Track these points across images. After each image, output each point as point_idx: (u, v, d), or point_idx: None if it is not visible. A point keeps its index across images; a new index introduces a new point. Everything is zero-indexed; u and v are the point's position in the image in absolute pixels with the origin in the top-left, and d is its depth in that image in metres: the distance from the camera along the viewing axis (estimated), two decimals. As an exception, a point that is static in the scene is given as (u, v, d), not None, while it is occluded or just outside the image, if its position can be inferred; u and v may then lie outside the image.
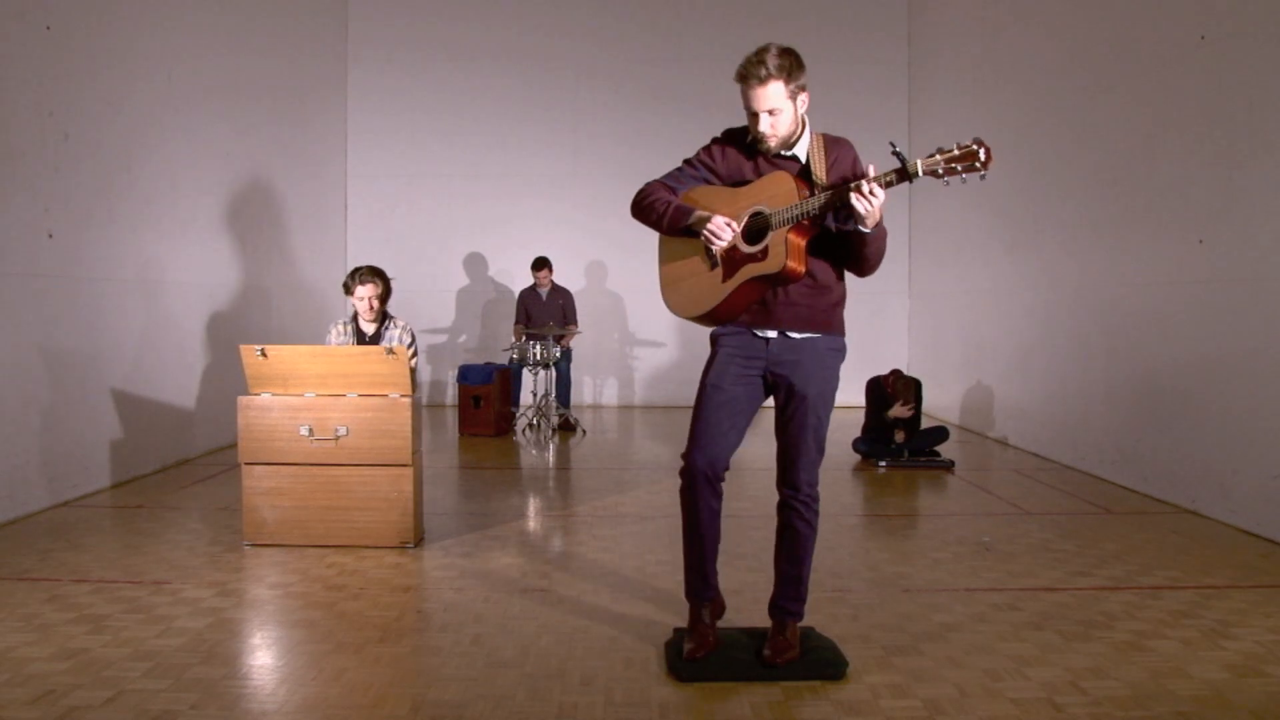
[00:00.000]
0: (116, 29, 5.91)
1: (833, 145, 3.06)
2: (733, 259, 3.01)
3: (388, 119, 10.55)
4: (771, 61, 2.87)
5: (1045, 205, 7.31)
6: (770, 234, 2.93)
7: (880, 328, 10.50)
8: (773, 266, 2.93)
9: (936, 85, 9.92)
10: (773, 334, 3.06)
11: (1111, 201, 6.29)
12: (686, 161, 3.20)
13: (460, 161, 10.60)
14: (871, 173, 2.83)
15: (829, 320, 3.08)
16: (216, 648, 3.26)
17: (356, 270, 5.37)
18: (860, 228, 2.90)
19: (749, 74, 2.90)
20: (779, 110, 2.91)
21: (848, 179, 2.96)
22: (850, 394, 8.87)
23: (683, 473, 3.14)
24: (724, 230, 2.96)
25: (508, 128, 10.56)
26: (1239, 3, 5.01)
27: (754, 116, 2.94)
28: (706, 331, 3.19)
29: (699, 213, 3.04)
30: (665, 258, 3.23)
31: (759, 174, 3.04)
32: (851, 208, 2.84)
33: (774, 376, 3.08)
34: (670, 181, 3.18)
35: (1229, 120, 5.08)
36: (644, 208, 3.16)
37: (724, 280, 3.03)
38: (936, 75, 9.91)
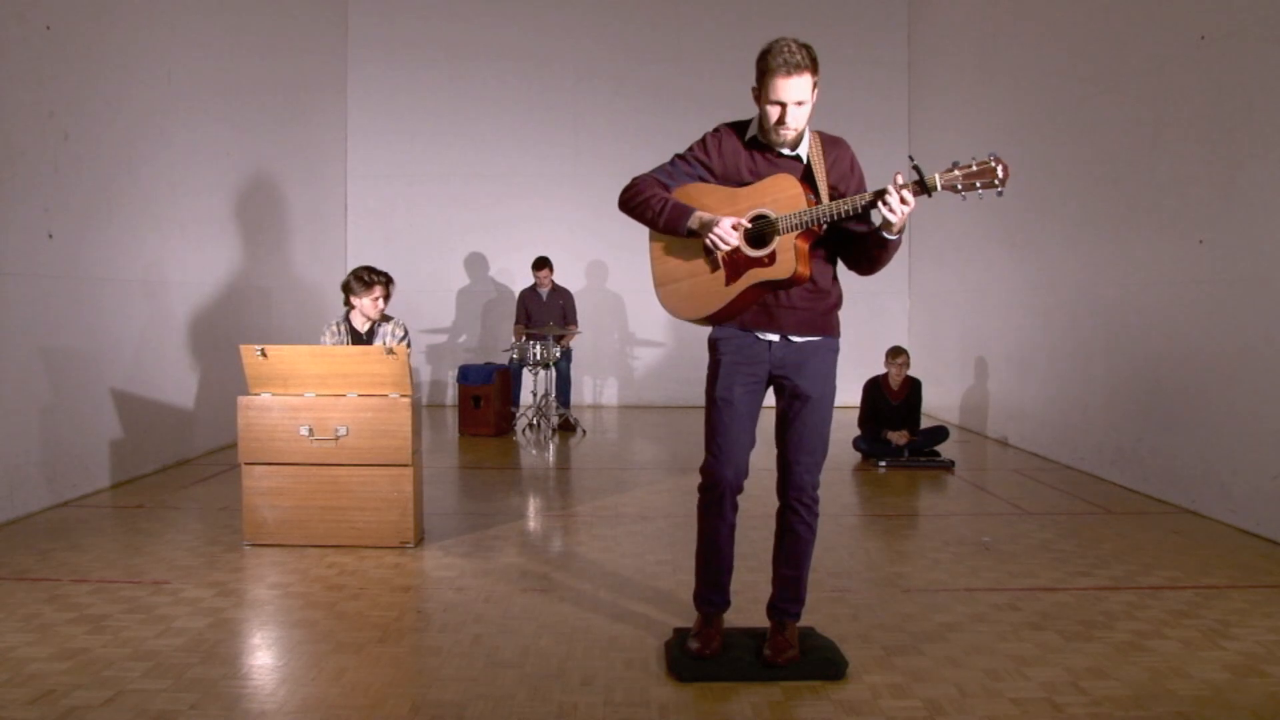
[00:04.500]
0: (116, 29, 5.91)
1: (830, 145, 3.03)
2: (736, 262, 2.96)
3: (388, 119, 10.55)
4: (805, 52, 2.83)
5: (1045, 205, 7.31)
6: (777, 239, 2.90)
7: (880, 328, 10.50)
8: (783, 272, 2.90)
9: (936, 85, 9.92)
10: (775, 337, 3.03)
11: (1112, 201, 6.29)
12: (680, 156, 3.10)
13: (460, 161, 10.60)
14: (900, 180, 2.78)
15: (828, 323, 3.07)
16: (216, 648, 3.26)
17: (361, 274, 5.14)
18: (886, 234, 2.88)
19: (786, 62, 2.80)
20: (805, 103, 2.86)
21: (848, 180, 3.00)
22: (849, 394, 8.90)
23: (706, 487, 3.12)
24: (731, 235, 2.89)
25: (508, 128, 10.56)
26: (1239, 3, 5.01)
27: (779, 108, 2.86)
28: (705, 332, 3.17)
29: (700, 214, 2.96)
30: (659, 256, 3.12)
31: (756, 172, 2.99)
32: (882, 215, 2.83)
33: (777, 380, 3.06)
34: (663, 177, 3.07)
35: (1229, 120, 5.08)
36: (638, 204, 3.05)
37: (727, 283, 2.98)
38: (936, 75, 9.91)
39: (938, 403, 9.25)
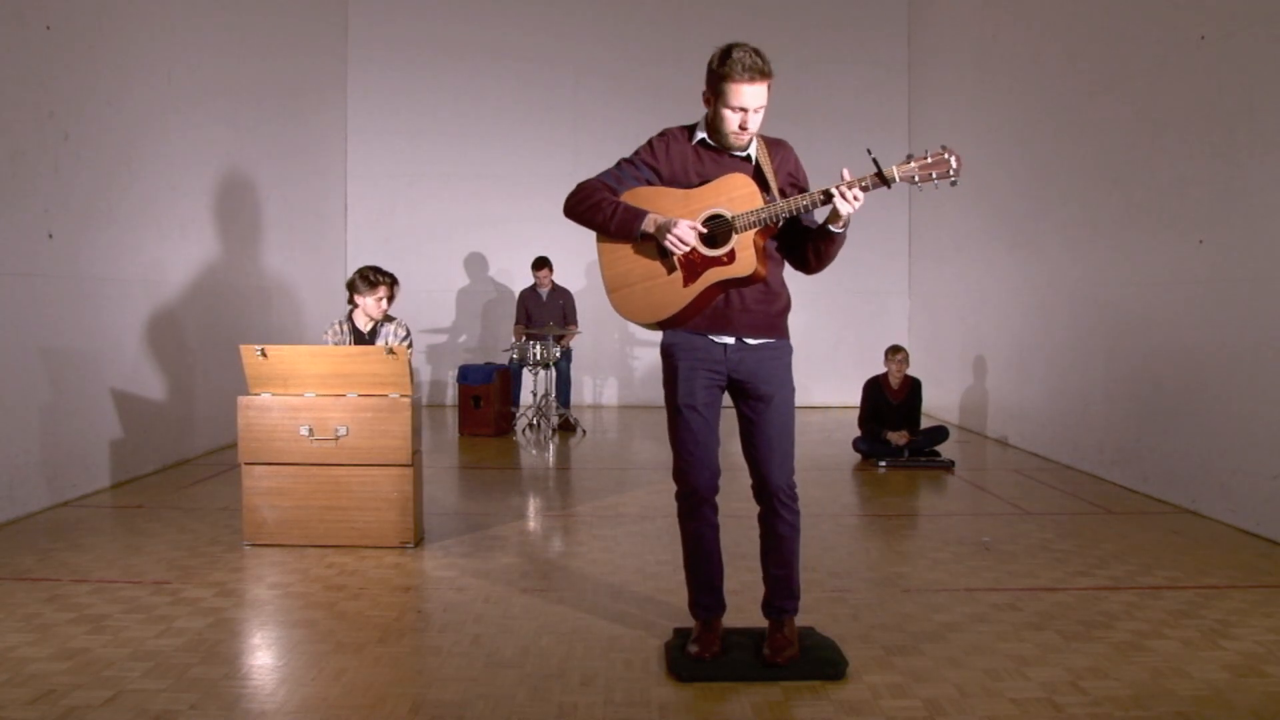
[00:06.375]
0: (116, 29, 5.91)
1: (775, 146, 3.07)
2: (693, 262, 2.96)
3: (388, 119, 10.55)
4: (766, 59, 2.86)
5: (1045, 205, 7.31)
6: (736, 237, 2.91)
7: (880, 328, 10.49)
8: (743, 270, 2.92)
9: (936, 85, 9.92)
10: (730, 340, 3.03)
11: (1111, 201, 6.29)
12: (626, 160, 3.08)
13: (460, 161, 10.60)
14: (847, 175, 2.85)
15: (781, 325, 3.10)
16: (216, 648, 3.26)
17: (366, 273, 5.13)
18: (833, 228, 2.93)
19: (751, 68, 2.82)
20: (762, 109, 2.90)
21: (794, 180, 3.05)
22: (849, 394, 8.91)
23: (684, 495, 3.15)
24: (690, 235, 2.90)
25: (508, 128, 10.56)
26: (1239, 3, 5.01)
27: (740, 114, 2.89)
28: None
29: (654, 216, 2.94)
30: (611, 260, 3.05)
31: (704, 174, 2.99)
32: (834, 208, 2.87)
33: (737, 384, 3.07)
34: (610, 181, 3.05)
35: (1229, 120, 5.08)
36: (587, 208, 3.01)
37: (685, 284, 2.97)
38: (936, 75, 9.91)
39: (938, 403, 9.25)
